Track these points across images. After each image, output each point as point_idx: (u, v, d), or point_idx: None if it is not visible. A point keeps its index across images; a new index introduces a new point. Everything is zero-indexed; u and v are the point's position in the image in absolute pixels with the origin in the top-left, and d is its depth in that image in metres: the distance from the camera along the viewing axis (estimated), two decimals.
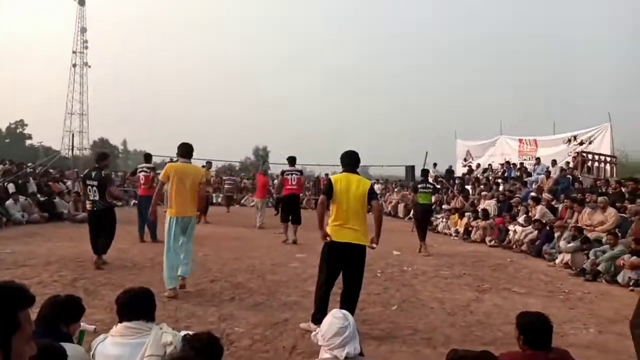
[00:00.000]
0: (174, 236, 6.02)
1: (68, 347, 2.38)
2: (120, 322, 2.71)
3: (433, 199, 11.79)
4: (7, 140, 61.32)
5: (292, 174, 11.03)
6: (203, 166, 15.90)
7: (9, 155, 28.98)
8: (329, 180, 5.09)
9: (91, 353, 2.67)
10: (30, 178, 15.94)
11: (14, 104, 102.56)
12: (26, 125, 63.46)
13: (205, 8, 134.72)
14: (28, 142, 62.75)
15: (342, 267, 4.81)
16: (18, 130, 63.14)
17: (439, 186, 16.64)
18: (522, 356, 2.73)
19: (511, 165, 18.75)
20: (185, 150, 6.33)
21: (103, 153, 8.68)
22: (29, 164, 19.91)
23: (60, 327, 2.70)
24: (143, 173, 10.65)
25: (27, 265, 7.28)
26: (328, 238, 4.80)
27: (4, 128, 62.18)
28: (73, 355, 2.42)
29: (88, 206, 7.79)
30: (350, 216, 4.77)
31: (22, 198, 13.23)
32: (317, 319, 4.57)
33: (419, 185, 10.84)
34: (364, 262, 4.89)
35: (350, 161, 5.06)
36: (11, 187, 13.99)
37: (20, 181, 14.99)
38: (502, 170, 19.06)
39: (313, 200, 20.36)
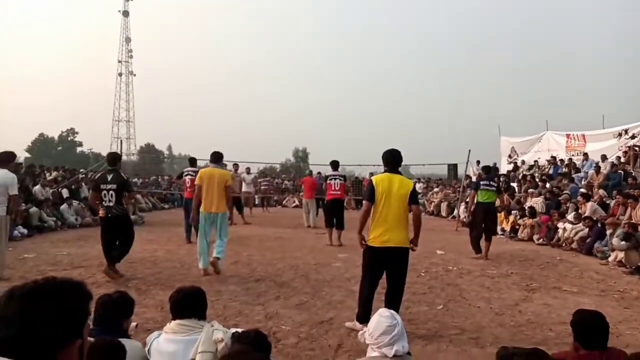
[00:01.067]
0: (204, 228, 7.14)
1: (127, 343, 2.50)
2: (174, 319, 2.80)
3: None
4: (59, 148, 64.13)
5: (335, 179, 11.01)
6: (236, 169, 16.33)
7: (62, 162, 30.37)
8: (371, 182, 5.00)
9: (146, 349, 2.78)
10: (83, 183, 16.65)
11: (65, 113, 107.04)
12: (77, 133, 66.32)
13: (247, 17, 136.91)
14: (79, 149, 65.48)
15: (385, 269, 4.80)
16: (69, 138, 65.96)
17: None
18: (576, 356, 2.65)
19: (557, 161, 18.18)
20: (215, 157, 7.49)
21: (114, 153, 7.98)
22: (81, 170, 20.83)
23: (117, 323, 2.83)
24: (189, 176, 10.88)
25: (82, 266, 7.62)
26: (364, 243, 4.83)
27: (56, 136, 65.13)
28: (131, 351, 2.53)
29: (101, 212, 7.01)
30: (392, 218, 4.69)
31: (75, 202, 13.85)
32: (362, 318, 4.64)
33: (482, 182, 9.62)
34: (407, 264, 4.84)
35: (393, 160, 4.94)
36: (65, 192, 14.66)
37: (73, 187, 15.70)
38: (548, 166, 18.47)
39: (354, 201, 20.33)
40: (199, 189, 7.14)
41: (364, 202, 5.02)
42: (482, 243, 9.43)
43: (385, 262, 4.75)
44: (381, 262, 4.76)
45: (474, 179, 20.49)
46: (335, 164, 11.36)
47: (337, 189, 10.96)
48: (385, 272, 4.81)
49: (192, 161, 11.87)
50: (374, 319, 2.56)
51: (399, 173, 4.96)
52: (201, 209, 7.11)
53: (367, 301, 4.78)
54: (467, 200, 10.33)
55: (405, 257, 4.80)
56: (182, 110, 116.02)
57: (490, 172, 10.59)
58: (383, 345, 2.44)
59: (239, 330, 2.81)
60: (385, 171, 5.00)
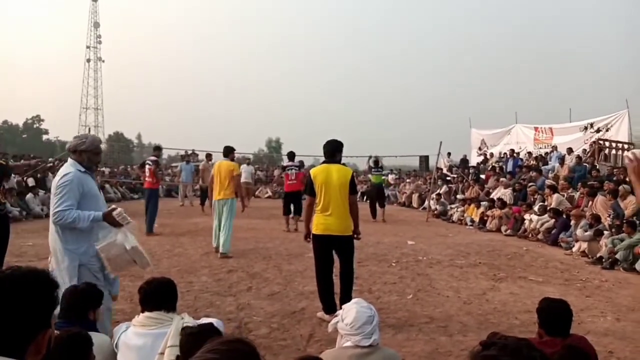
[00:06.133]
0: (217, 213, 8.16)
1: (94, 336, 2.44)
2: (143, 311, 2.76)
3: (389, 179, 16.81)
4: (24, 136, 62.25)
5: (291, 169, 11.43)
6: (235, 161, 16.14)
7: (27, 150, 29.49)
8: (309, 175, 5.06)
9: (114, 342, 2.73)
10: (49, 172, 16.20)
11: (30, 100, 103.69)
12: (42, 120, 64.42)
13: (224, 6, 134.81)
14: (45, 137, 63.65)
15: (335, 253, 4.94)
16: (35, 126, 64.05)
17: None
18: (539, 342, 2.73)
19: (515, 154, 18.66)
20: (225, 151, 8.53)
21: None
22: (49, 159, 20.27)
23: (85, 315, 2.77)
24: (147, 166, 10.66)
25: (48, 257, 7.42)
26: (308, 239, 5.02)
27: (21, 123, 63.14)
28: (98, 345, 2.48)
29: None
30: (332, 207, 4.81)
31: (41, 192, 13.49)
32: (327, 308, 4.81)
33: (373, 169, 14.61)
34: (351, 249, 4.98)
35: (329, 150, 5.03)
36: (31, 182, 14.26)
37: (39, 175, 15.26)
38: (506, 158, 18.86)
39: None
40: (212, 180, 8.37)
41: (306, 196, 5.09)
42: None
43: (330, 247, 4.90)
44: (327, 248, 4.89)
45: (444, 170, 21.07)
46: (291, 155, 11.91)
47: (293, 178, 11.32)
48: (337, 255, 4.96)
49: (157, 149, 11.64)
50: (352, 309, 2.55)
51: (338, 162, 5.04)
52: (214, 197, 8.20)
53: (326, 291, 4.91)
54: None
55: (349, 244, 4.95)
56: (152, 99, 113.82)
57: (378, 163, 14.82)
58: (363, 335, 2.47)
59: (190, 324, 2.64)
60: (323, 162, 5.08)
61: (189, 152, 21.26)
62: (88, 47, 64.89)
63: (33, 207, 12.72)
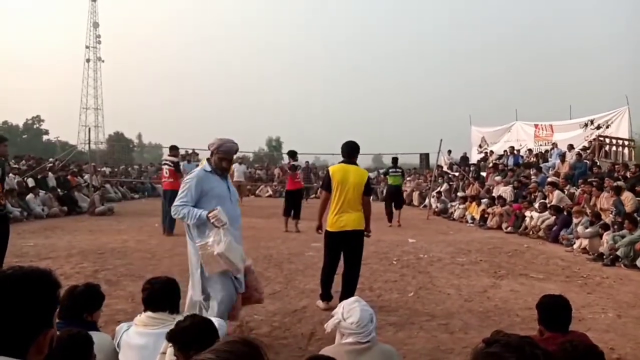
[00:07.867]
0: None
1: (96, 336, 2.44)
2: (145, 311, 2.75)
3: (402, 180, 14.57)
4: (24, 136, 62.16)
5: (300, 169, 11.35)
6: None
7: (27, 151, 29.50)
8: (327, 172, 5.32)
9: (116, 342, 2.72)
10: (50, 173, 16.21)
11: (29, 100, 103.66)
12: (43, 120, 64.27)
13: (224, 4, 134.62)
14: (45, 137, 63.55)
15: (343, 251, 5.16)
16: (35, 126, 63.95)
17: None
18: (540, 339, 2.74)
19: (515, 151, 18.63)
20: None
21: None
22: (49, 159, 20.27)
23: (83, 316, 2.75)
24: (167, 167, 10.64)
25: (49, 257, 7.44)
26: (320, 231, 5.39)
27: (21, 124, 63.04)
28: (99, 344, 2.47)
29: None
30: (347, 205, 5.06)
31: (42, 192, 13.48)
32: (323, 296, 5.22)
33: (390, 170, 13.50)
34: (361, 245, 5.22)
35: (348, 151, 5.28)
36: (31, 182, 14.25)
37: (39, 176, 15.26)
38: (506, 155, 18.83)
39: None
40: None
41: (322, 191, 5.44)
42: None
43: (342, 244, 5.14)
44: (339, 244, 5.15)
45: (445, 168, 21.06)
46: (293, 154, 11.69)
47: (301, 178, 11.30)
48: (343, 254, 5.18)
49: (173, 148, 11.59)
50: (355, 309, 2.55)
51: (354, 164, 5.28)
52: None
53: (328, 281, 5.23)
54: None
55: (361, 239, 5.18)
56: (152, 99, 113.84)
57: (396, 163, 13.85)
58: (367, 333, 2.48)
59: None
60: (341, 162, 5.32)
61: (189, 151, 21.22)
62: (87, 47, 64.84)
63: (34, 207, 12.70)
